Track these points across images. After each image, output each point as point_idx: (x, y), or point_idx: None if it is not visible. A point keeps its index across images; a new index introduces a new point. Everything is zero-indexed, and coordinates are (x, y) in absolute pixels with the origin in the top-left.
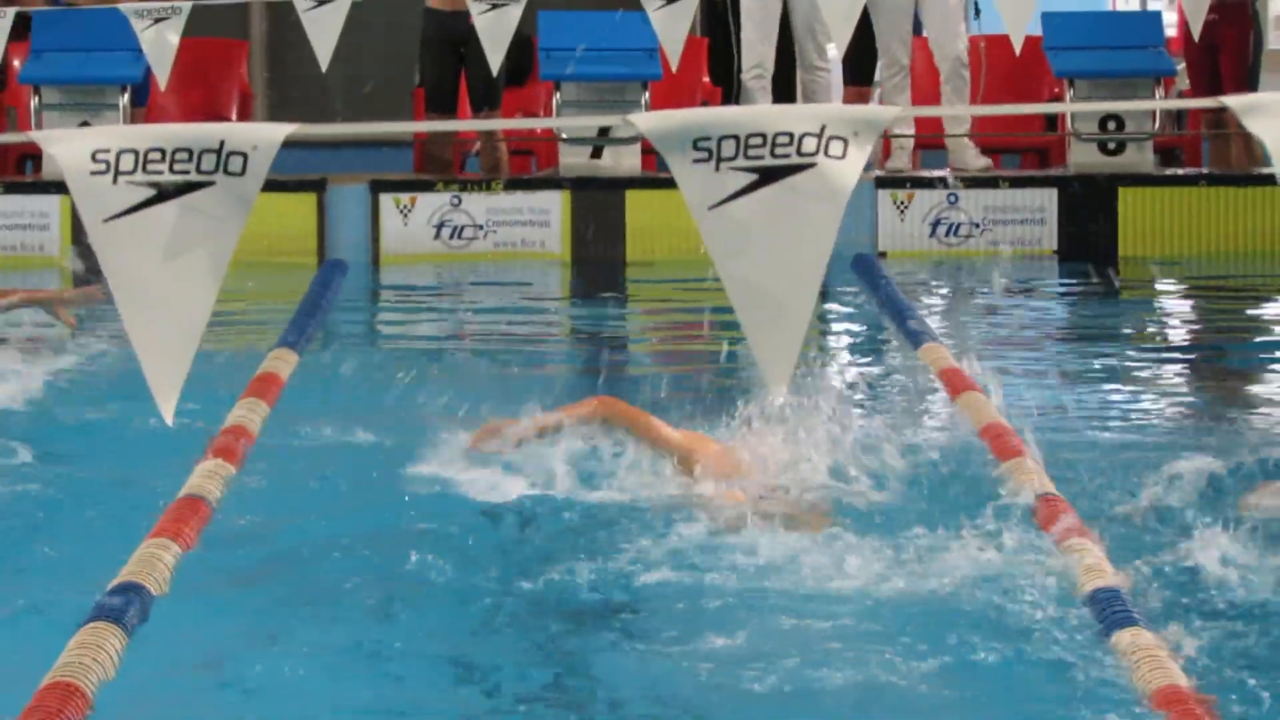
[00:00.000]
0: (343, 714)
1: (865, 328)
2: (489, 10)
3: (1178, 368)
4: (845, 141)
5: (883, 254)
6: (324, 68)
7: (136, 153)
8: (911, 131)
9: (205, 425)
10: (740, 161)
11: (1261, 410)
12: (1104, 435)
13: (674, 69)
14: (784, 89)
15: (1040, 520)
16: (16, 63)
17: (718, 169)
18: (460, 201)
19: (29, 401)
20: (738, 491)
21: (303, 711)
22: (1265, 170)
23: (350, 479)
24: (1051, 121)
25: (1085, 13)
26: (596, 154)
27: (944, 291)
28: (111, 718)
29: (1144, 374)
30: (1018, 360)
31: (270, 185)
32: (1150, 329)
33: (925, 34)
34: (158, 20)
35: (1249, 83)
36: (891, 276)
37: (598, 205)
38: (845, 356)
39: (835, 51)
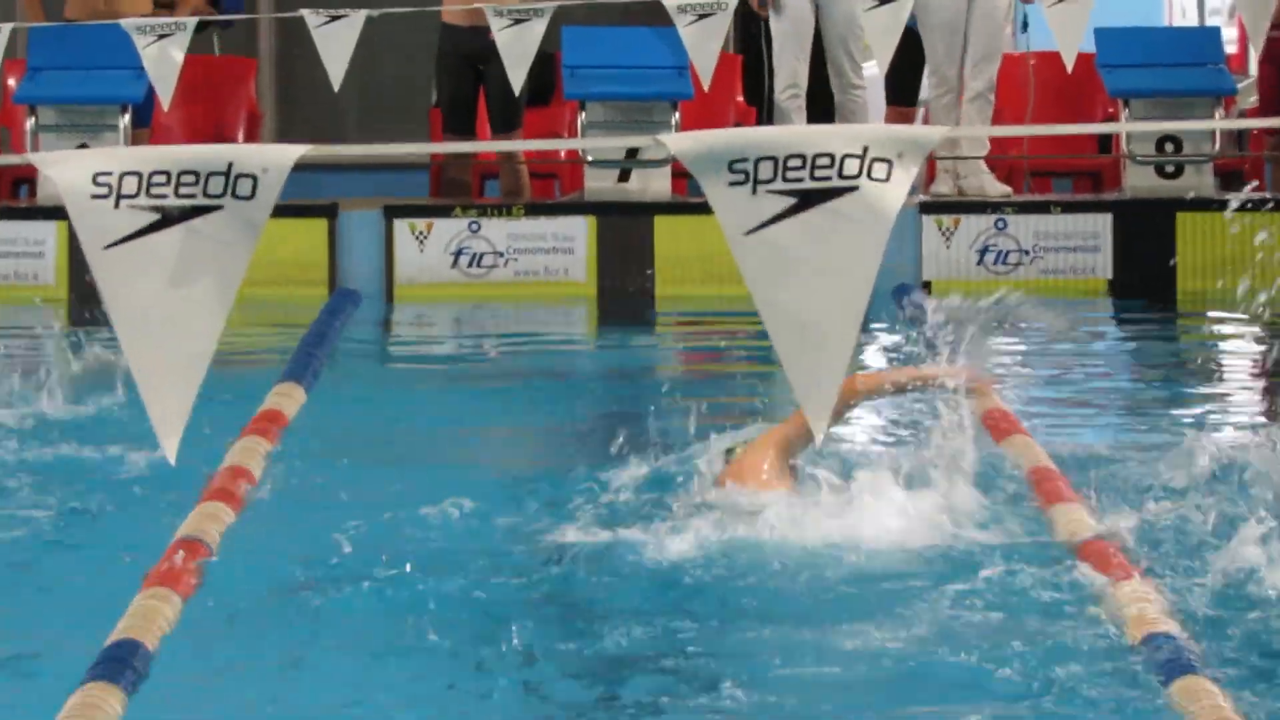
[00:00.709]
0: None
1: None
2: (510, 26)
3: (1238, 407)
4: (889, 163)
5: (927, 284)
6: (336, 87)
7: (140, 175)
8: (971, 153)
9: (205, 465)
10: (778, 184)
11: None
12: (1156, 482)
13: (705, 87)
14: (819, 109)
15: (1090, 562)
16: (12, 81)
17: (754, 192)
18: (479, 227)
19: (22, 435)
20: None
21: None
22: None
23: (360, 515)
24: (1105, 143)
25: (1141, 29)
26: (624, 177)
27: (991, 323)
28: None
29: (1200, 413)
30: (1066, 398)
31: (279, 210)
32: (1209, 365)
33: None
34: (161, 36)
35: None
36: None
37: (625, 232)
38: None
39: (873, 69)
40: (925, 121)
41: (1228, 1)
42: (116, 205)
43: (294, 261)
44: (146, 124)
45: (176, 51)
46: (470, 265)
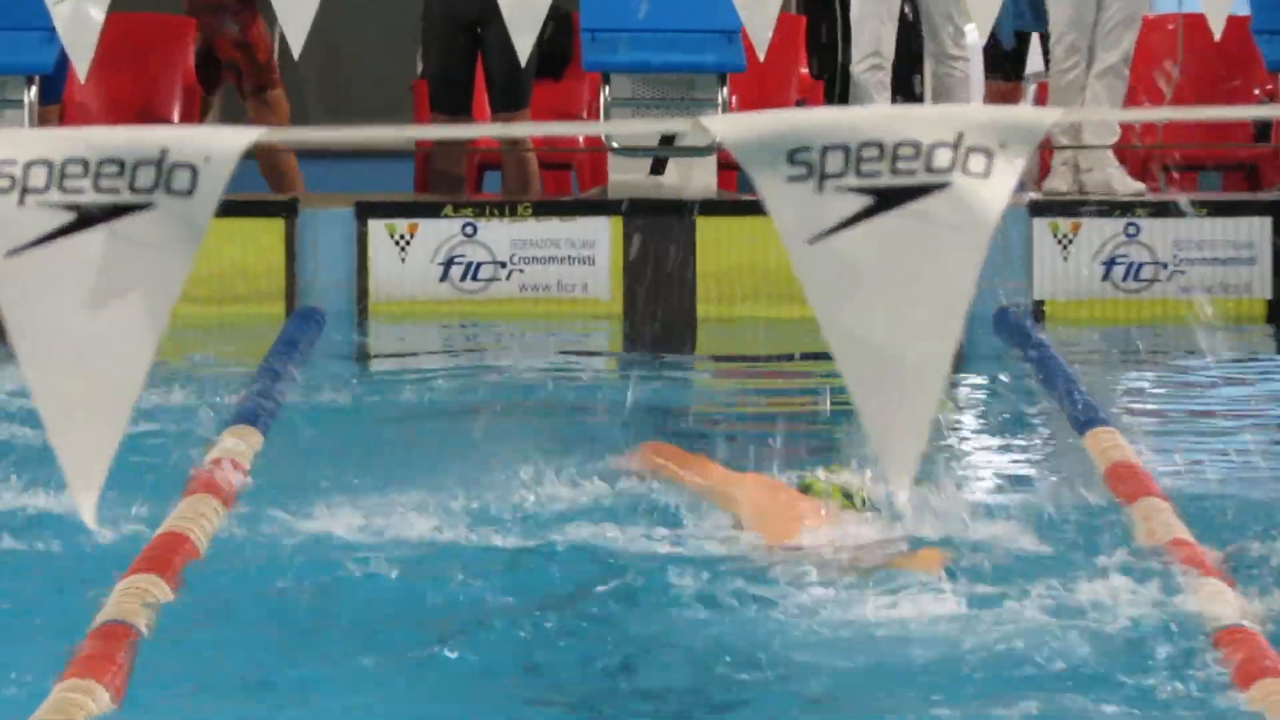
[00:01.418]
0: None
1: (1012, 406)
2: None
3: None
4: (989, 154)
5: (1039, 306)
6: (296, 54)
7: (50, 165)
8: (1097, 141)
9: (140, 529)
10: (850, 180)
11: None
12: None
13: (761, 57)
14: (904, 85)
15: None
16: None
17: (820, 190)
18: (476, 231)
19: None
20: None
21: None
22: None
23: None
24: (1263, 130)
25: None
26: (658, 168)
27: (1122, 356)
28: None
29: None
30: (1214, 453)
31: (225, 209)
32: None
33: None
34: None
35: None
36: (1048, 337)
37: (660, 237)
38: (984, 445)
39: (974, 36)
40: (1038, 101)
41: None
42: (21, 202)
43: (243, 273)
44: (57, 99)
45: (96, 9)
46: (464, 278)
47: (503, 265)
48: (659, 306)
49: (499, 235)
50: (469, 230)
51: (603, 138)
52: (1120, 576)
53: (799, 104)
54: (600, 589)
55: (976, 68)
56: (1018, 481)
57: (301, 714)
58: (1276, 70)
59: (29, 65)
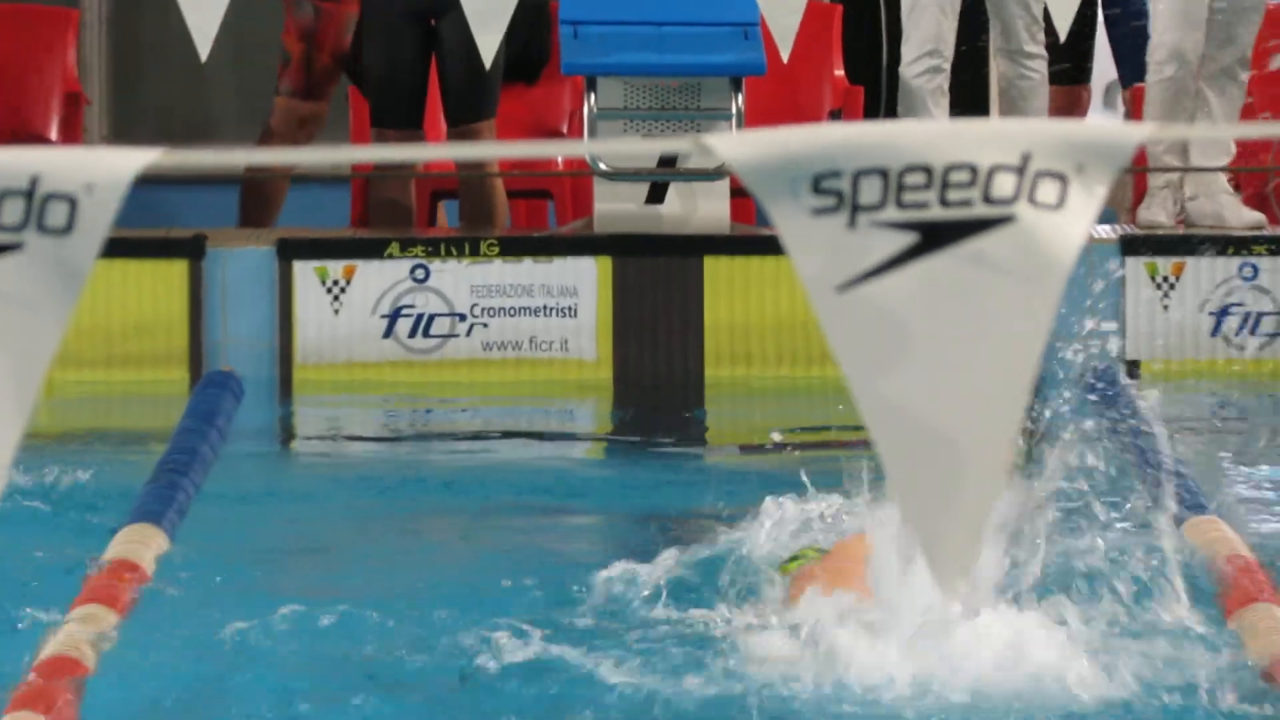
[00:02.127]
0: None
1: (1098, 490)
2: None
3: None
4: (1063, 180)
5: (1133, 366)
6: (204, 54)
7: None
8: (1206, 163)
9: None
10: (890, 213)
11: None
12: None
13: (785, 56)
14: (969, 92)
15: None
16: None
17: (852, 225)
18: (428, 275)
19: None
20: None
21: None
22: None
23: None
24: None
25: None
26: (655, 197)
27: (1236, 429)
28: None
29: None
30: None
31: (113, 249)
32: None
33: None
34: None
35: None
36: (1145, 403)
37: (658, 282)
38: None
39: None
40: (1130, 112)
41: None
42: None
43: (136, 329)
44: None
45: None
46: (414, 334)
47: (462, 318)
48: (657, 369)
49: (457, 280)
50: (419, 274)
51: (587, 159)
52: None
53: (833, 116)
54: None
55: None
56: (1097, 588)
57: None
58: None
59: None
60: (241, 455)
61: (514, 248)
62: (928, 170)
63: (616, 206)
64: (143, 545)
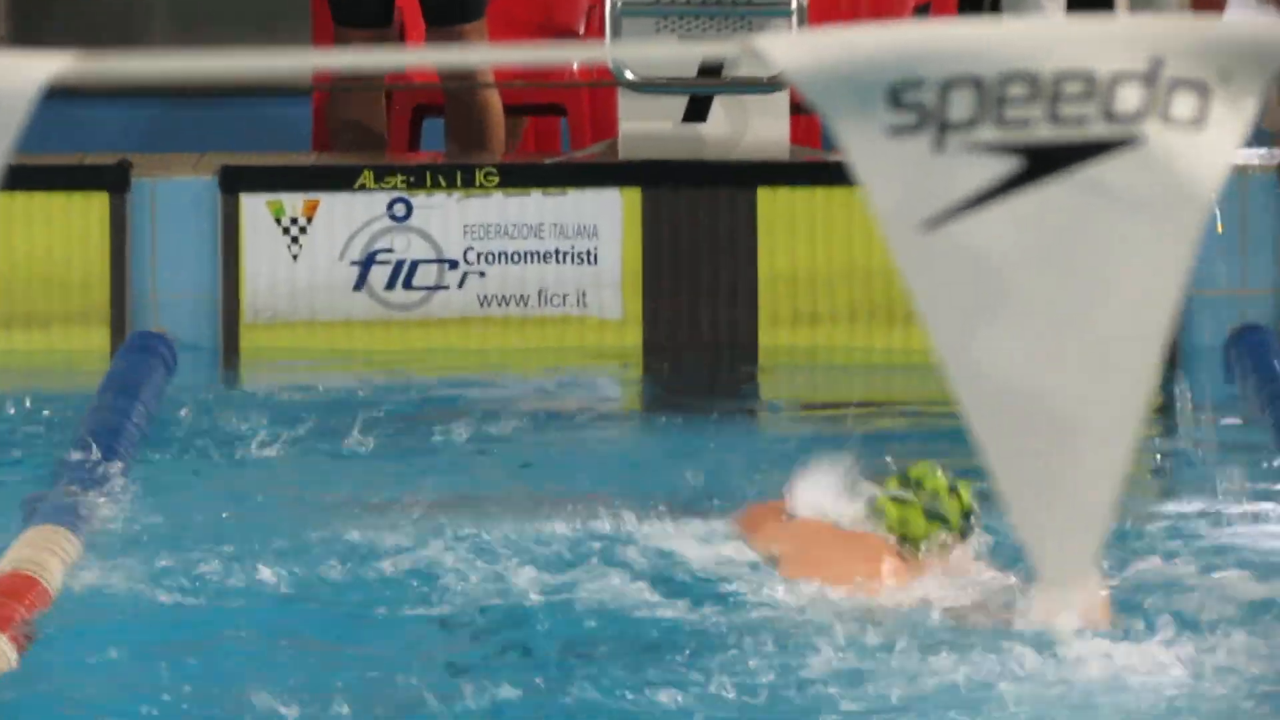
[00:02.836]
0: None
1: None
2: None
3: None
4: (1204, 91)
5: None
6: None
7: None
8: None
9: None
10: (987, 133)
11: None
12: None
13: None
14: None
15: None
16: None
17: (940, 147)
18: (410, 211)
19: None
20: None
21: None
22: None
23: None
24: None
25: None
26: (695, 114)
27: None
28: None
29: None
30: None
31: (15, 177)
32: None
33: None
34: None
35: None
36: None
37: (699, 222)
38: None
39: None
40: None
41: None
42: None
43: (44, 282)
44: None
45: None
46: (392, 286)
47: (452, 266)
48: (699, 332)
49: (447, 219)
50: (399, 211)
51: (609, 66)
52: None
53: (919, 12)
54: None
55: None
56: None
57: None
58: None
59: None
60: (174, 439)
61: (518, 177)
62: (1033, 79)
63: (647, 126)
64: (47, 554)
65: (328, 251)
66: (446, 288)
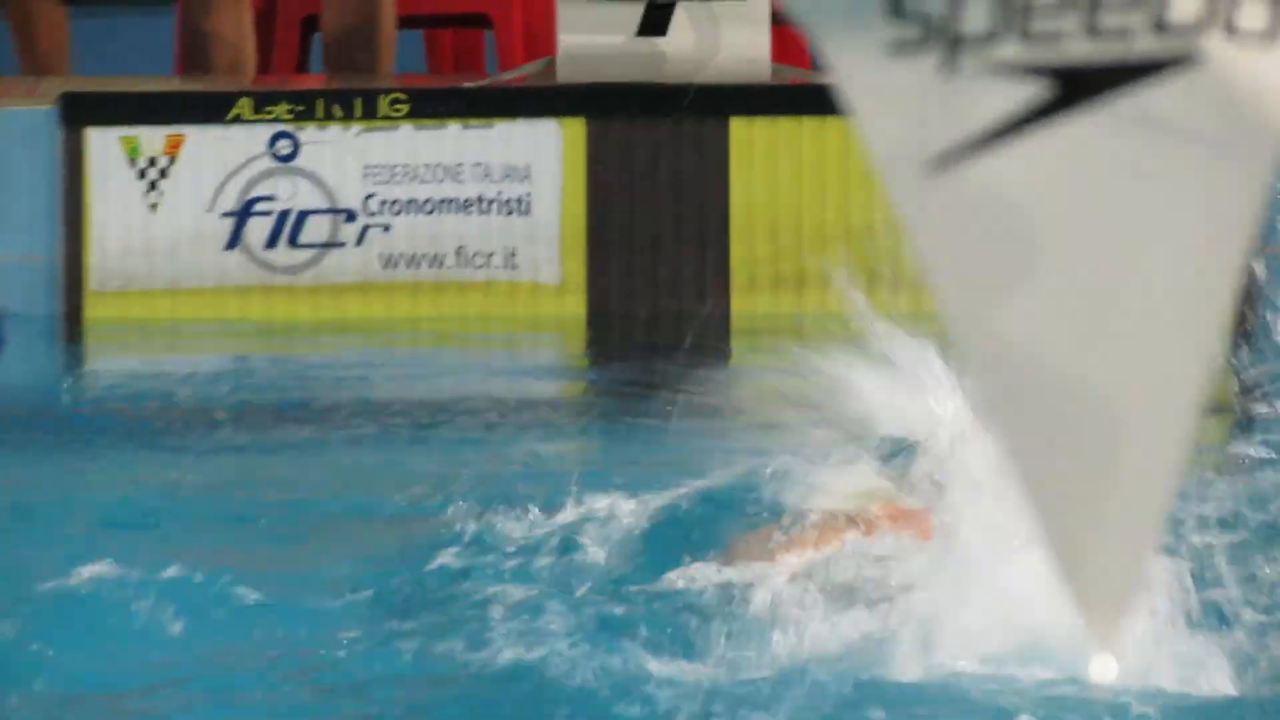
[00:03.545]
0: None
1: None
2: None
3: None
4: None
5: None
6: None
7: None
8: None
9: None
10: (1010, 49)
11: None
12: None
13: None
14: None
15: None
16: None
17: (952, 67)
18: (297, 150)
19: None
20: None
21: None
22: None
23: None
24: None
25: None
26: (653, 25)
27: None
28: None
29: None
30: None
31: None
32: None
33: None
34: None
35: None
36: None
37: (658, 161)
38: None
39: None
40: None
41: None
42: None
43: None
44: None
45: None
46: (275, 243)
47: (350, 218)
48: (656, 298)
49: (342, 158)
50: (284, 149)
51: None
52: None
53: None
54: None
55: None
56: None
57: None
58: None
59: None
60: (3, 431)
61: (432, 106)
62: None
63: (592, 40)
64: None
65: (194, 200)
66: (342, 245)
